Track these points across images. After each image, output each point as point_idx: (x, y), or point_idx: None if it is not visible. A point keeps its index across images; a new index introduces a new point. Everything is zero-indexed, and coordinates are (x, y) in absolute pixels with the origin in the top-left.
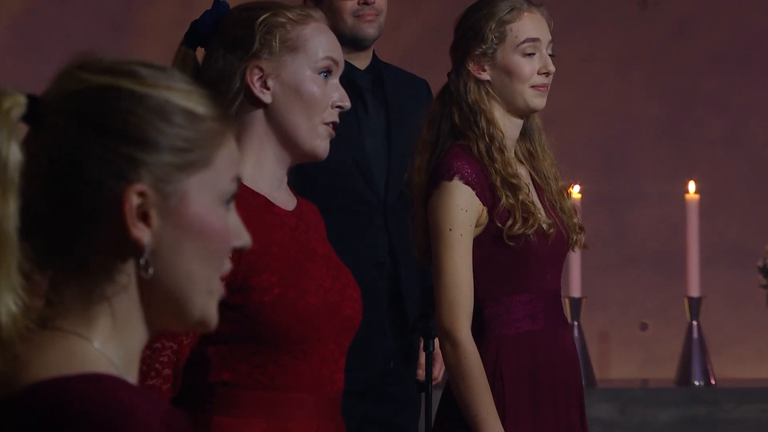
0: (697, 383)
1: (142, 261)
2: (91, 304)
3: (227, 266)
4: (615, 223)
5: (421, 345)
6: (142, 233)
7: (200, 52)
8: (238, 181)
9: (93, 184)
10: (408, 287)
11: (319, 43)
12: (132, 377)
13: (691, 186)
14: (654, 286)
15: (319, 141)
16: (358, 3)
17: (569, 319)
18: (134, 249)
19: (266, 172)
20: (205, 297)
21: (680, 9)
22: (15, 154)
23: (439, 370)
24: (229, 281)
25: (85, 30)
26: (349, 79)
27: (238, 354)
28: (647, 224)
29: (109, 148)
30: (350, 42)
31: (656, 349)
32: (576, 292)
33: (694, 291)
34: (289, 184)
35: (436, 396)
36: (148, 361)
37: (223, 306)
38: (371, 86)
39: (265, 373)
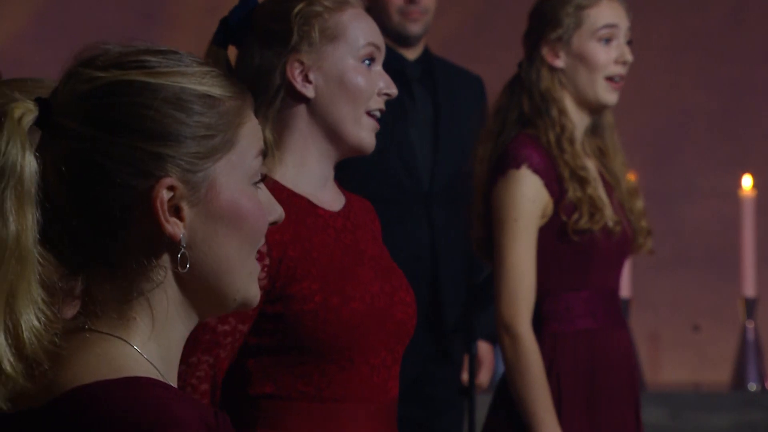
0: (752, 387)
1: (179, 256)
2: (128, 304)
3: (261, 242)
4: (666, 220)
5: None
6: (176, 228)
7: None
8: (263, 154)
9: (120, 186)
10: (447, 284)
11: (359, 29)
12: (173, 374)
13: (747, 181)
14: (707, 286)
15: (364, 133)
16: (405, 1)
17: None
18: (169, 245)
19: (310, 172)
20: (245, 279)
21: None
22: (31, 165)
23: (484, 375)
24: (266, 289)
25: (115, 19)
26: (397, 68)
27: (281, 365)
28: (700, 221)
29: (131, 147)
30: (394, 38)
31: (709, 351)
32: (626, 292)
33: (750, 291)
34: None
35: (480, 401)
36: (183, 376)
37: (261, 317)
38: (420, 76)
39: (311, 383)
